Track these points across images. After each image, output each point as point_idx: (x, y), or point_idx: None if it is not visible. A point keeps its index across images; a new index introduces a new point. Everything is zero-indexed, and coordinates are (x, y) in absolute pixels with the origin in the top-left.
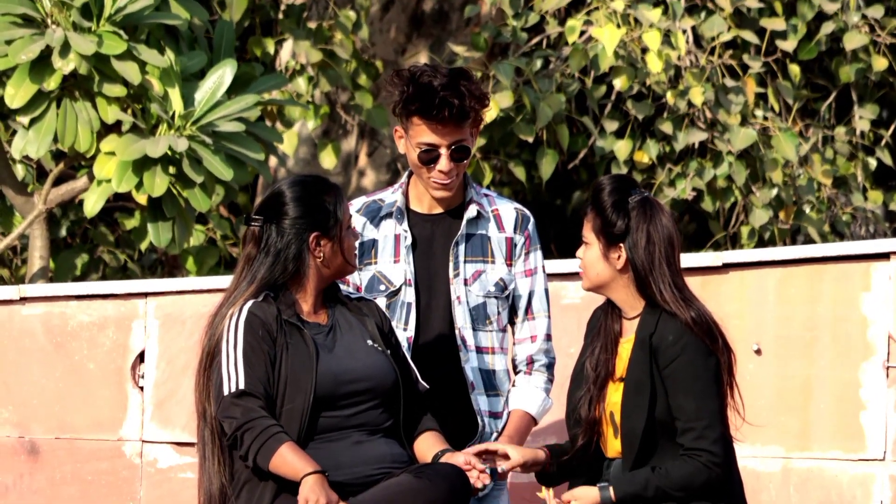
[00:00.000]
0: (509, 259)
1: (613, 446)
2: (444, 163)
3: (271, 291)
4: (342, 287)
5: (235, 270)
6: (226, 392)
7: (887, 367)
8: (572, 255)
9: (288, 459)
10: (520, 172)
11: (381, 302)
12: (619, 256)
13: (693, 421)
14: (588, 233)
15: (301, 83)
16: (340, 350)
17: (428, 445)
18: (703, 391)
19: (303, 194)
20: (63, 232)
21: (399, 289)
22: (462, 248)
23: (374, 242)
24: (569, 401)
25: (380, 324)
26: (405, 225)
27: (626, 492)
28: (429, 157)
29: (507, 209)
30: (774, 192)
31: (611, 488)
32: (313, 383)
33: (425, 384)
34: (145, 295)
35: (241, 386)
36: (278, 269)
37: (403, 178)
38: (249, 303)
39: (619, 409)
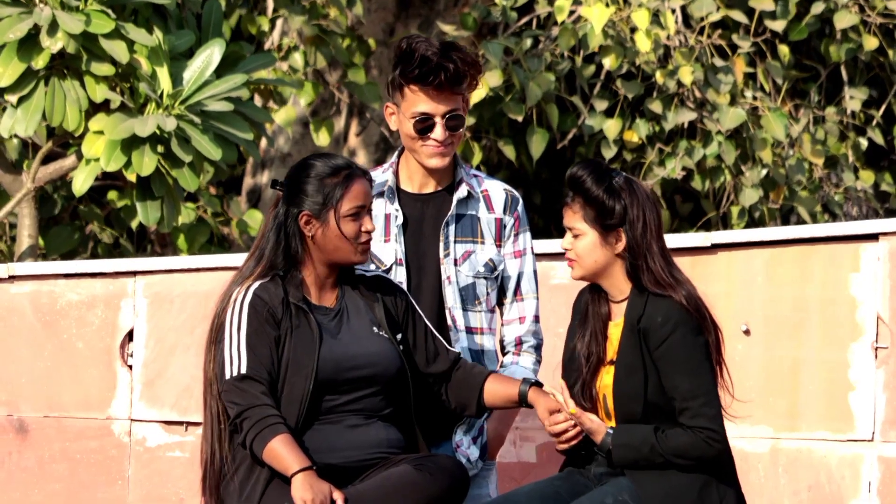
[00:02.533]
0: (498, 240)
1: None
2: (438, 131)
3: (281, 270)
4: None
5: (260, 229)
6: (228, 375)
7: (876, 348)
8: (558, 235)
9: (278, 453)
10: (510, 152)
11: None
12: (616, 241)
13: (689, 400)
14: (577, 223)
15: (297, 58)
16: (345, 335)
17: (502, 385)
18: (695, 369)
19: (301, 173)
20: (54, 210)
21: (389, 268)
22: (452, 228)
23: None
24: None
25: (392, 304)
26: (396, 204)
27: (624, 442)
28: (424, 125)
29: (497, 190)
30: (764, 172)
31: (611, 437)
32: (314, 368)
33: (455, 349)
34: (134, 273)
35: (244, 370)
36: (281, 243)
37: (393, 158)
38: (256, 284)
39: (612, 391)
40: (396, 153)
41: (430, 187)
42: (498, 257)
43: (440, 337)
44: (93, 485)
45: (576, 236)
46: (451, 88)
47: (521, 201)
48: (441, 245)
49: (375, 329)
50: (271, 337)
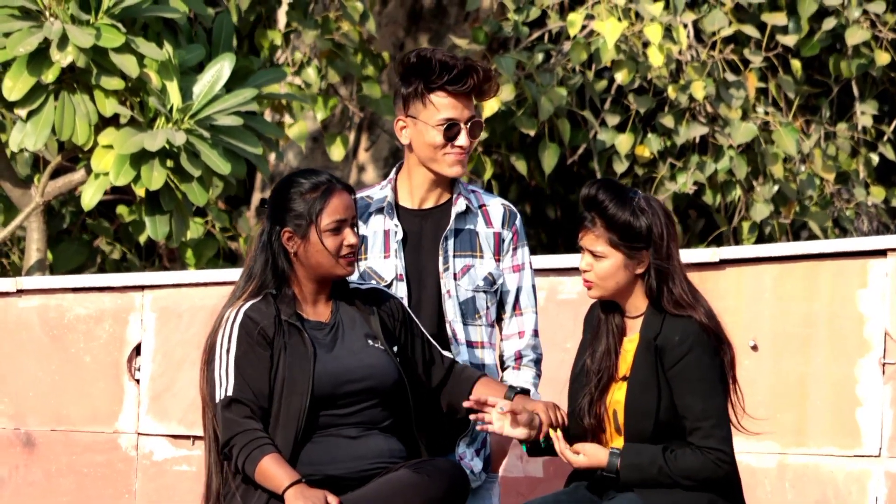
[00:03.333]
0: (497, 254)
1: (615, 444)
2: (463, 138)
3: (273, 289)
4: (353, 277)
5: (249, 248)
6: (217, 398)
7: (883, 364)
8: (564, 251)
9: (268, 474)
10: (521, 166)
11: None
12: (639, 263)
13: (701, 420)
14: (599, 245)
15: (311, 73)
16: (341, 350)
17: (490, 390)
18: (709, 390)
19: (278, 189)
20: (62, 225)
21: (390, 284)
22: (451, 242)
23: (363, 239)
24: (570, 400)
25: (389, 316)
26: (395, 220)
27: (632, 462)
28: (450, 133)
29: (495, 205)
30: (776, 187)
31: (619, 457)
32: (310, 384)
33: (448, 355)
34: (142, 288)
35: (230, 392)
36: (269, 262)
37: (392, 175)
38: (247, 304)
39: (623, 407)
40: (395, 169)
41: (430, 203)
42: (497, 271)
43: (436, 344)
44: (100, 498)
45: (597, 258)
46: (479, 93)
47: (518, 216)
48: (440, 259)
49: (371, 341)
50: (263, 357)
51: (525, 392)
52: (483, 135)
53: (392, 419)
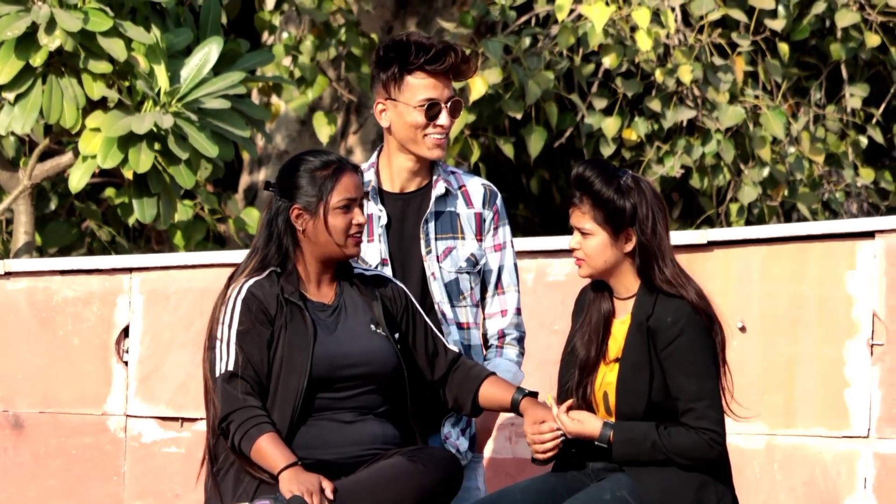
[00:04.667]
0: (479, 234)
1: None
2: (444, 117)
3: (278, 267)
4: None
5: (258, 227)
6: (218, 373)
7: (871, 345)
8: (554, 232)
9: (265, 452)
10: (508, 150)
11: None
12: (626, 241)
13: (694, 401)
14: (587, 223)
15: (309, 46)
16: (342, 333)
17: (498, 390)
18: (702, 371)
19: (290, 167)
20: (50, 207)
21: (375, 269)
22: (432, 225)
23: None
24: (560, 382)
25: (391, 303)
26: (379, 205)
27: (625, 437)
28: (431, 112)
29: (475, 185)
30: (766, 170)
31: (612, 430)
32: (309, 364)
33: (454, 348)
34: (130, 270)
35: (230, 367)
36: (274, 239)
37: (373, 159)
38: (251, 281)
39: (615, 389)
40: (375, 153)
41: (412, 186)
42: (479, 251)
43: (442, 337)
44: (88, 480)
45: (585, 236)
46: (454, 73)
47: (499, 195)
48: (422, 242)
49: (373, 327)
50: (263, 335)
51: (533, 395)
52: (470, 118)
53: (388, 405)
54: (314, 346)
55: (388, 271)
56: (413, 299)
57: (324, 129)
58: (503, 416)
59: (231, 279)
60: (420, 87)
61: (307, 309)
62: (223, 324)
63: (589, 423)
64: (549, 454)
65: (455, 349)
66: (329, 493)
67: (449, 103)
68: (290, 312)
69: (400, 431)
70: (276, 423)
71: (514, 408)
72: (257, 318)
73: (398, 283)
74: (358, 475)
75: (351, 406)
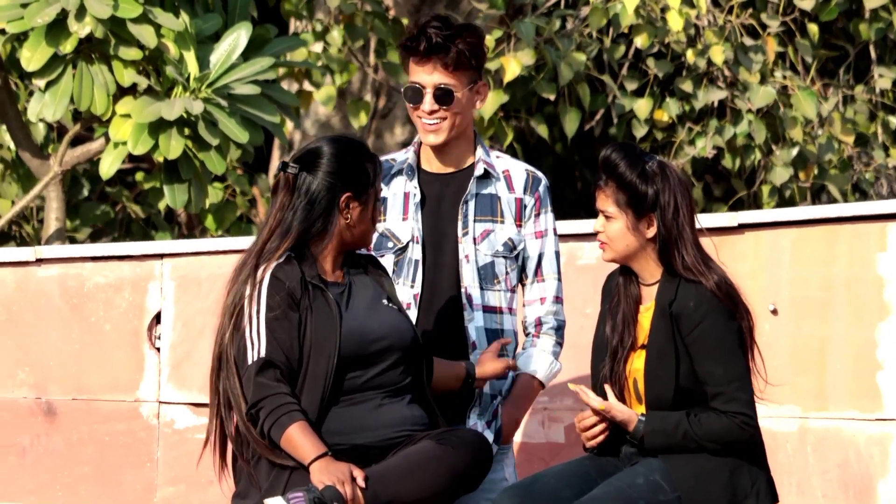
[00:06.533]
0: (518, 220)
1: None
2: (427, 102)
3: (294, 251)
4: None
5: (268, 219)
6: (250, 360)
7: None
8: (587, 216)
9: (295, 442)
10: (542, 130)
11: (389, 259)
12: (648, 226)
13: (723, 385)
14: (610, 206)
15: (336, 36)
16: (358, 309)
17: (442, 366)
18: (728, 355)
19: (344, 152)
20: (83, 193)
21: (406, 246)
22: (471, 206)
23: (384, 200)
24: (593, 371)
25: (387, 282)
26: (415, 182)
27: (656, 428)
28: (413, 94)
29: (518, 170)
30: (795, 150)
31: (644, 425)
32: (338, 344)
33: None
34: (161, 256)
35: (263, 353)
36: (312, 219)
37: (416, 139)
38: (273, 265)
39: (643, 376)
40: (419, 135)
41: (452, 167)
42: (518, 236)
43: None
44: (121, 467)
45: (608, 219)
46: (438, 58)
47: (543, 181)
48: (459, 223)
49: (385, 301)
50: (292, 319)
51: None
52: (504, 98)
53: (411, 383)
54: (341, 325)
55: (418, 250)
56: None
57: (357, 116)
58: (536, 402)
59: (259, 258)
60: (411, 71)
61: (328, 289)
62: (251, 309)
63: (623, 415)
64: (601, 438)
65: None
66: (361, 482)
67: (436, 88)
68: (314, 295)
69: (427, 413)
70: (306, 407)
71: (470, 375)
72: (286, 303)
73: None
74: (388, 462)
75: (378, 384)
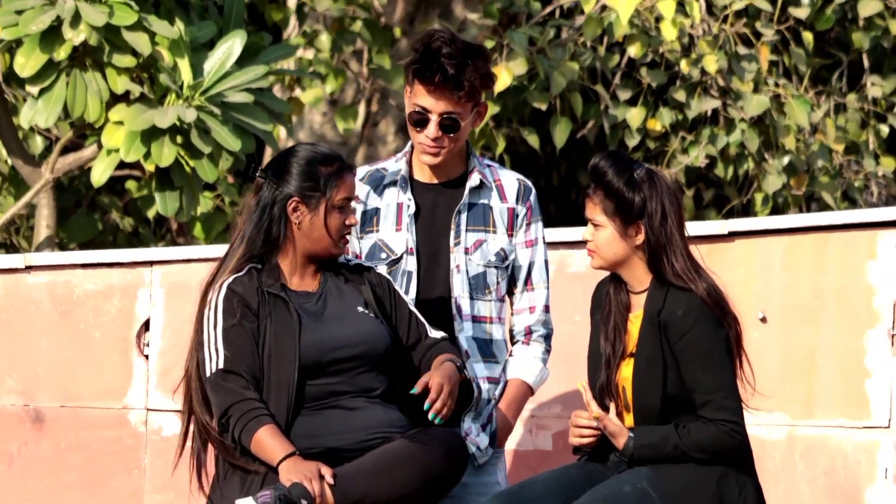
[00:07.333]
0: (510, 229)
1: (624, 421)
2: (431, 129)
3: (257, 262)
4: (365, 249)
5: (237, 220)
6: (209, 373)
7: (892, 335)
8: (575, 224)
9: (263, 445)
10: (533, 140)
11: (383, 270)
12: (636, 234)
13: (711, 393)
14: (598, 215)
15: (324, 40)
16: (328, 317)
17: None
18: (717, 363)
19: (295, 159)
20: (72, 201)
21: (400, 257)
22: (464, 216)
23: (376, 211)
24: (590, 382)
25: (378, 287)
26: (409, 194)
27: (644, 442)
28: (419, 119)
29: (510, 180)
30: (787, 158)
31: (632, 440)
32: (297, 353)
33: (436, 334)
34: (151, 263)
35: (221, 365)
36: (263, 226)
37: (407, 148)
38: (230, 279)
39: (630, 384)
40: (410, 143)
41: (444, 177)
42: (509, 247)
43: (425, 323)
44: (109, 474)
45: (596, 227)
46: (450, 90)
47: (533, 191)
48: (452, 233)
49: (361, 308)
50: (249, 329)
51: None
52: (495, 109)
53: (389, 388)
54: (300, 334)
55: (413, 261)
56: (396, 286)
57: (347, 123)
58: (525, 409)
59: (215, 274)
60: (418, 92)
61: (290, 299)
62: (208, 324)
63: (615, 429)
64: (588, 441)
65: (438, 335)
66: (329, 479)
67: (443, 116)
68: (273, 304)
69: (407, 416)
70: (274, 412)
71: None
72: (241, 313)
73: (380, 271)
74: (359, 460)
75: (349, 390)
